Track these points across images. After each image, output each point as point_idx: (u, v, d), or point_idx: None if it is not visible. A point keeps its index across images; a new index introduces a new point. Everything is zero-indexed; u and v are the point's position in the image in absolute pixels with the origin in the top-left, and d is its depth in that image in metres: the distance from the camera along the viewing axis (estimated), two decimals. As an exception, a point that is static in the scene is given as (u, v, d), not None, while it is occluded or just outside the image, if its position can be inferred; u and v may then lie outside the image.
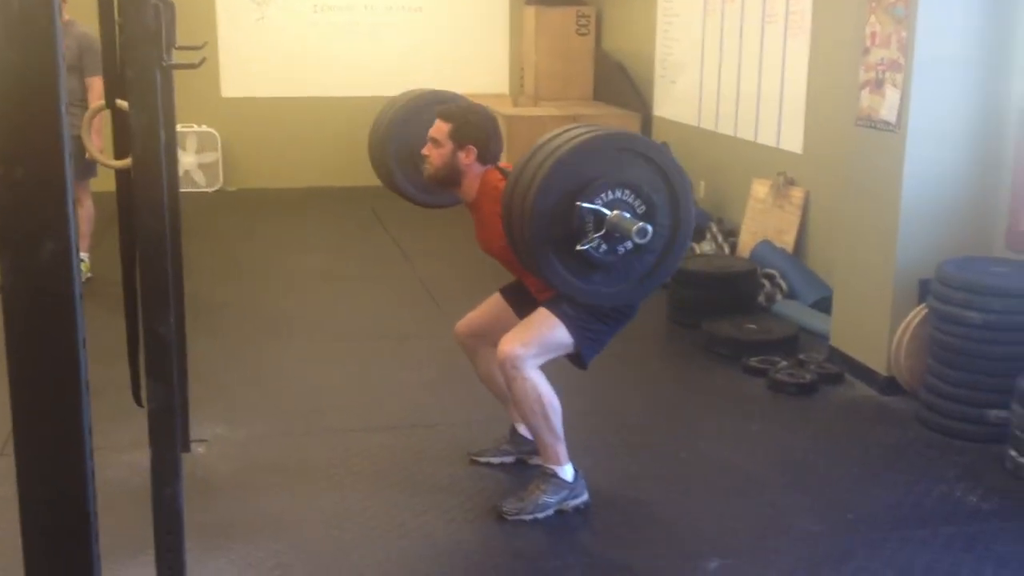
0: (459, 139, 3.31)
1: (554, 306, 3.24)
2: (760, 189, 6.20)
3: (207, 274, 6.13)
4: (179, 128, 8.43)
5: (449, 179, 3.38)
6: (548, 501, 3.33)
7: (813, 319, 5.20)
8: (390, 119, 3.70)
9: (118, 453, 3.68)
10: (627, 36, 8.53)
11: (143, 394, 2.89)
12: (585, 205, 2.87)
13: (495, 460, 3.71)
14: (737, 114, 6.65)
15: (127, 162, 2.84)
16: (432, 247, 7.09)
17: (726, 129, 6.81)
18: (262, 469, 3.69)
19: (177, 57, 3.31)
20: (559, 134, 3.01)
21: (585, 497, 3.40)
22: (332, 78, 9.14)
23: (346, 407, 4.27)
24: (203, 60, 3.06)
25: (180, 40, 3.23)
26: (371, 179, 10.09)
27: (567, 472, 3.37)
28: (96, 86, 5.50)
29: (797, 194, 5.88)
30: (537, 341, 3.24)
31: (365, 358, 4.91)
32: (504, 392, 3.55)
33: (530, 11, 8.94)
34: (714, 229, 6.34)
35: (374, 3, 9.08)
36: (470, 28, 9.27)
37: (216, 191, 9.02)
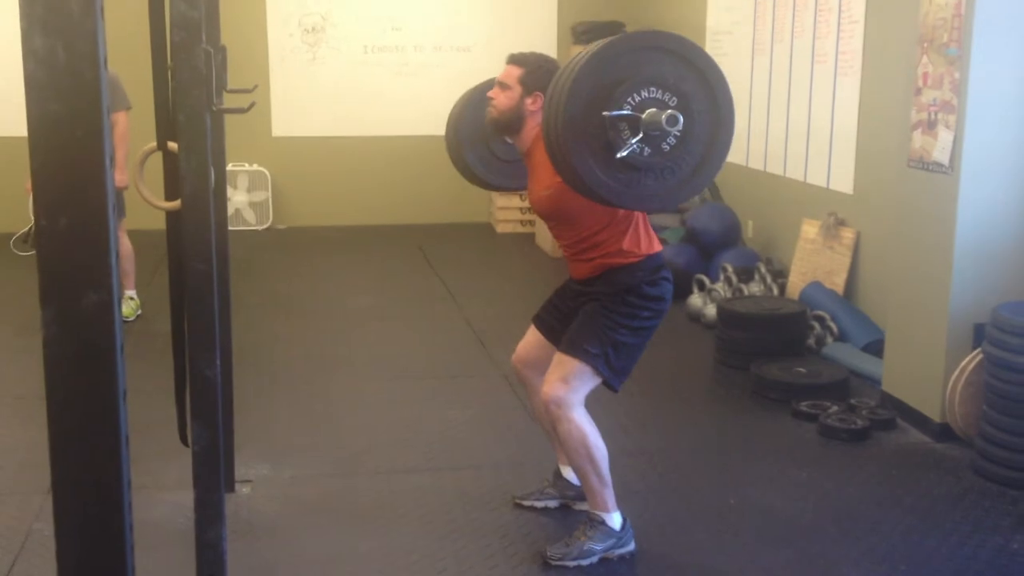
0: (529, 84, 3.27)
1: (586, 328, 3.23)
2: (810, 230, 6.14)
3: (255, 312, 6.18)
4: (230, 167, 8.55)
5: (510, 125, 3.32)
6: (594, 548, 3.28)
7: (864, 363, 5.11)
8: (464, 101, 3.66)
9: (164, 492, 3.69)
10: (675, 76, 8.50)
11: (189, 435, 2.90)
12: (613, 113, 2.79)
13: (539, 504, 3.67)
14: (786, 154, 6.60)
15: (177, 204, 2.87)
16: (479, 287, 7.09)
17: (775, 169, 6.76)
18: (306, 510, 3.67)
19: (228, 99, 3.35)
20: (578, 55, 2.92)
21: (632, 547, 3.34)
22: (381, 117, 9.23)
23: (391, 448, 4.26)
24: (252, 104, 3.09)
25: (232, 82, 3.27)
26: (419, 218, 10.16)
27: (615, 520, 3.31)
28: (120, 122, 5.61)
29: (848, 235, 5.80)
30: (577, 374, 3.21)
31: (411, 398, 4.89)
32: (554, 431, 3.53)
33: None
34: (763, 270, 6.27)
35: (423, 43, 9.17)
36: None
37: (266, 229, 9.11)
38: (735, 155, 7.32)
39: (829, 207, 5.98)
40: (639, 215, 3.29)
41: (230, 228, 4.16)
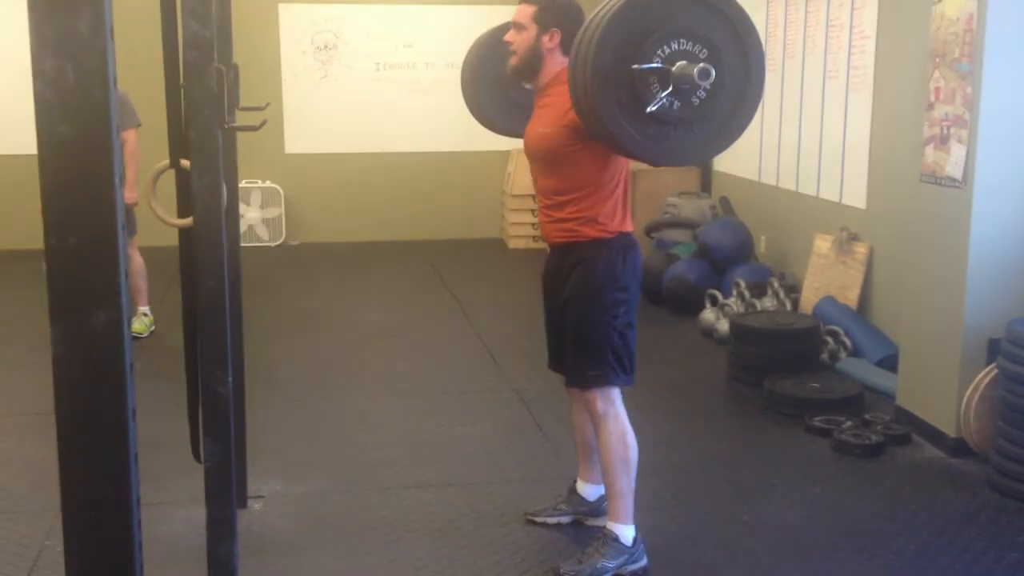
0: (543, 21, 3.19)
1: (575, 308, 3.23)
2: (823, 244, 6.12)
3: (268, 328, 6.19)
4: (243, 184, 8.59)
5: (532, 67, 3.24)
6: (607, 565, 3.27)
7: (878, 378, 5.08)
8: (480, 44, 3.61)
9: (177, 509, 3.70)
10: (687, 91, 8.51)
11: (201, 451, 2.91)
12: (643, 67, 2.73)
13: (551, 520, 3.65)
14: (799, 169, 6.60)
15: (189, 221, 2.89)
16: (490, 302, 7.09)
17: (787, 184, 6.75)
18: (318, 526, 3.67)
19: (241, 117, 3.37)
20: (606, 3, 2.85)
21: (644, 562, 3.33)
22: (393, 134, 9.26)
23: (403, 463, 4.25)
24: (264, 122, 3.11)
25: (245, 100, 3.29)
26: (431, 233, 10.16)
27: (628, 535, 3.30)
28: (130, 140, 5.65)
29: (861, 250, 5.78)
30: (600, 399, 3.22)
31: (422, 414, 4.89)
32: (587, 443, 3.51)
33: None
34: (775, 285, 6.25)
35: (435, 60, 9.21)
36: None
37: (279, 245, 9.15)
38: (747, 170, 7.35)
39: (842, 222, 5.97)
40: (622, 190, 3.24)
41: (243, 244, 4.17)
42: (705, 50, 2.78)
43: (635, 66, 2.74)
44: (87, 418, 1.09)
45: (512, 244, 9.18)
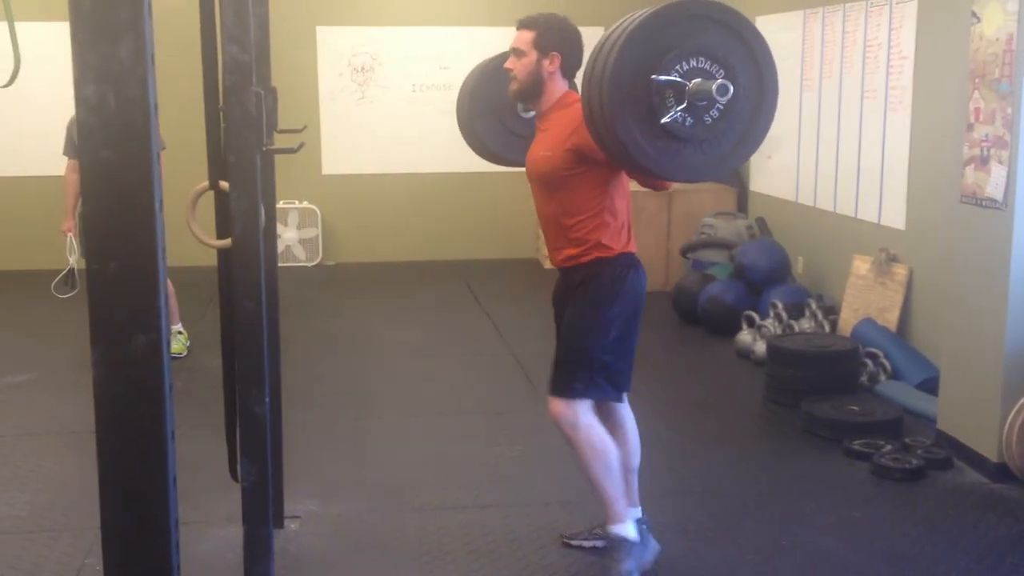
0: (543, 46, 3.22)
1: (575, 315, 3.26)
2: (861, 266, 6.07)
3: (304, 348, 6.22)
4: (280, 204, 8.66)
5: (533, 91, 3.27)
6: (629, 568, 3.28)
7: (918, 401, 5.02)
8: (479, 73, 3.63)
9: (214, 527, 3.71)
10: (723, 111, 8.50)
11: (239, 470, 2.92)
12: (661, 79, 2.75)
13: (587, 544, 3.63)
14: (836, 189, 6.55)
15: (227, 242, 2.92)
16: (526, 323, 7.09)
17: (825, 204, 6.71)
18: (353, 547, 3.68)
19: (279, 139, 3.40)
20: (628, 17, 2.89)
21: (655, 544, 3.39)
22: (429, 155, 9.30)
23: (439, 484, 4.25)
24: (301, 145, 3.14)
25: (283, 122, 3.33)
26: (466, 253, 10.16)
27: (630, 530, 3.32)
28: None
29: (900, 271, 5.73)
30: (572, 406, 3.22)
31: (458, 434, 4.89)
32: (623, 466, 3.48)
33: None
34: (813, 306, 6.20)
35: (472, 82, 9.24)
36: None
37: (315, 265, 9.20)
38: (784, 190, 7.30)
39: (881, 243, 5.91)
40: (625, 216, 3.27)
41: (280, 264, 4.20)
42: (722, 71, 2.81)
43: (654, 76, 2.76)
44: (127, 439, 1.10)
45: (547, 264, 9.16)
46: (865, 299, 5.97)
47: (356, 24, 9.17)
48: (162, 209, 1.12)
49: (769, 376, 5.33)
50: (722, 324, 6.51)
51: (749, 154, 3.01)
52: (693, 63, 2.78)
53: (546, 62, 3.23)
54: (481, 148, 3.70)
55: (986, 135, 4.20)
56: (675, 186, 8.22)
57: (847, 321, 6.02)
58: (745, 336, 6.17)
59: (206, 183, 3.12)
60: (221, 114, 2.96)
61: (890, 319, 5.71)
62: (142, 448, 1.09)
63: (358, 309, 7.70)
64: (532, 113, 3.42)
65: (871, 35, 6.09)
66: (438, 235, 9.46)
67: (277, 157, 3.55)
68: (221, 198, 3.07)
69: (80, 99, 1.08)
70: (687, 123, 2.81)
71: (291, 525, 3.81)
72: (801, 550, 3.65)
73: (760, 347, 5.87)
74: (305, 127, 3.75)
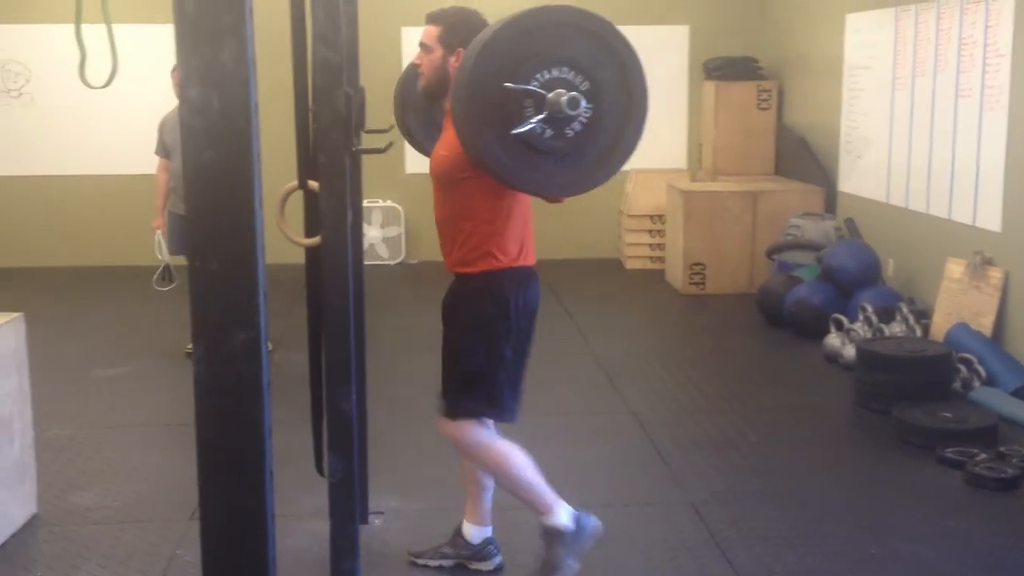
0: (449, 42, 3.07)
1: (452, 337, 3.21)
2: (955, 269, 5.91)
3: (388, 345, 6.28)
4: (365, 203, 8.75)
5: (439, 88, 3.13)
6: (564, 557, 3.18)
7: (1015, 408, 4.87)
8: (411, 68, 3.54)
9: (301, 522, 3.77)
10: (810, 110, 8.37)
11: (325, 466, 2.96)
12: (516, 86, 2.63)
13: (432, 563, 3.52)
14: (929, 190, 6.39)
15: (316, 240, 2.96)
16: (607, 323, 7.06)
17: (917, 205, 6.55)
18: (435, 543, 3.69)
19: (366, 139, 3.44)
20: (496, 23, 2.78)
21: (595, 521, 3.25)
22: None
23: (520, 484, 4.25)
24: (390, 144, 3.17)
25: (370, 122, 3.36)
26: (548, 253, 10.14)
27: (563, 516, 3.20)
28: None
29: (996, 275, 5.56)
30: (483, 391, 3.14)
31: (537, 435, 4.86)
32: (475, 481, 3.46)
33: (710, 86, 8.90)
34: (904, 310, 6.06)
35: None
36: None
37: (398, 264, 9.29)
38: (875, 191, 7.15)
39: (975, 245, 5.75)
40: (519, 224, 3.14)
41: (365, 262, 4.25)
42: (587, 83, 2.69)
43: (507, 84, 2.65)
44: (225, 435, 1.11)
45: (629, 264, 9.13)
46: (959, 303, 5.81)
47: (441, 24, 9.23)
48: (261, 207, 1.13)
49: (859, 381, 5.22)
50: (809, 327, 6.40)
51: (615, 170, 2.88)
52: (556, 72, 2.67)
53: (452, 59, 3.07)
54: (412, 141, 3.69)
55: (1090, 135, 4.06)
56: (761, 186, 8.12)
57: (939, 326, 5.87)
58: (833, 339, 6.05)
59: (295, 182, 3.16)
60: (311, 114, 3.00)
61: (985, 324, 5.55)
62: (240, 443, 1.10)
63: (440, 309, 7.73)
64: None
65: (966, 33, 5.92)
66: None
67: (363, 157, 3.59)
68: (310, 197, 3.11)
69: (185, 100, 1.10)
70: (546, 134, 2.70)
71: (375, 521, 3.84)
72: (892, 558, 3.57)
73: (849, 351, 5.76)
74: (392, 127, 3.78)
